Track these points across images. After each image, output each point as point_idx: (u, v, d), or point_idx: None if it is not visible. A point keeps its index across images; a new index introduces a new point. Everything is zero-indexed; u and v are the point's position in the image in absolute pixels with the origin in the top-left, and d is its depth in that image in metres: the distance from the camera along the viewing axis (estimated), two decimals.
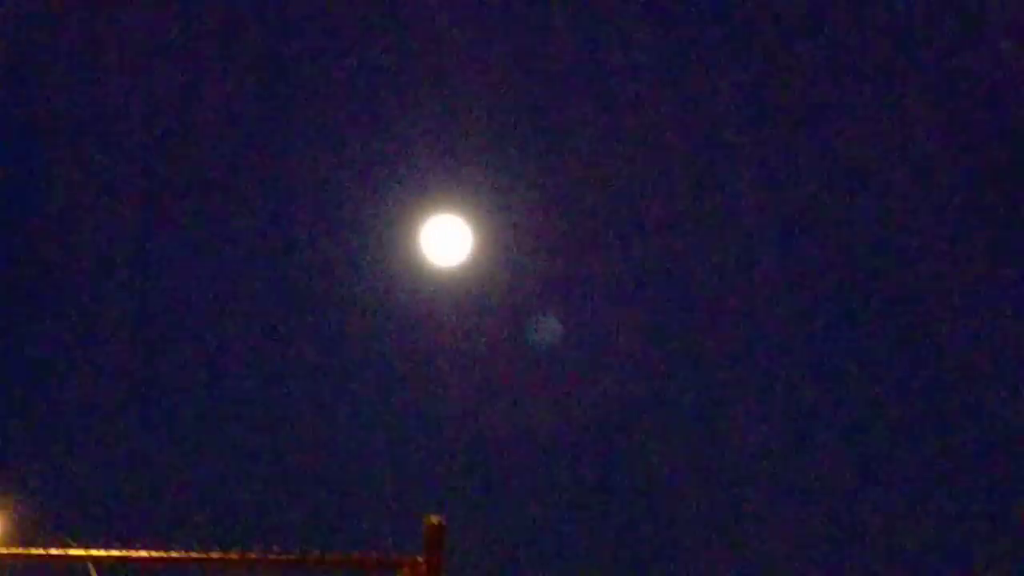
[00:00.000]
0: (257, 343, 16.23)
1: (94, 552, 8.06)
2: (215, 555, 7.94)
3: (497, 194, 16.01)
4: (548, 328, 15.99)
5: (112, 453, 15.68)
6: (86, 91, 16.45)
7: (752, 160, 16.24)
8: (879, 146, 16.19)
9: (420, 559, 7.73)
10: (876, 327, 16.11)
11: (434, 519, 7.71)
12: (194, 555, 7.97)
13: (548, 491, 15.60)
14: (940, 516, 15.22)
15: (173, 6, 16.24)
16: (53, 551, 8.11)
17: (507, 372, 15.84)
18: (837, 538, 15.28)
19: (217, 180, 16.64)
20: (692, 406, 15.97)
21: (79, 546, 8.10)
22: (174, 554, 7.98)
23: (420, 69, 16.30)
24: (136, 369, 16.10)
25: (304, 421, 16.01)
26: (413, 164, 16.18)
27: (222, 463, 15.64)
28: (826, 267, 16.12)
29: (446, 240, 14.99)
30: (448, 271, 15.48)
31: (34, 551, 8.14)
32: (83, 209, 16.35)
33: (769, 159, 16.31)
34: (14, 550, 8.20)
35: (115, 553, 8.04)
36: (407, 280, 15.77)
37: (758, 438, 15.75)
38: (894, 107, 16.12)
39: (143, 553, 8.01)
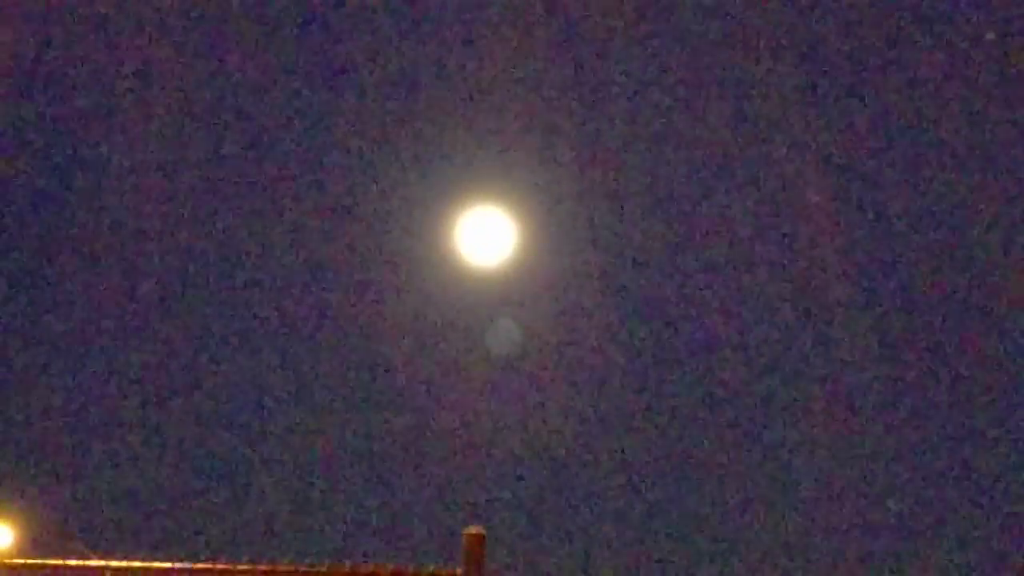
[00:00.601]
0: (284, 354, 15.73)
1: (113, 563, 7.79)
2: (243, 566, 7.68)
3: (546, 183, 14.71)
4: (602, 339, 14.84)
5: (132, 463, 15.37)
6: (133, 92, 16.11)
7: (815, 158, 15.53)
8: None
9: (459, 571, 7.54)
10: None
11: (474, 530, 7.53)
12: (220, 566, 7.70)
13: (593, 501, 14.94)
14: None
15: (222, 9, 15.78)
16: (71, 561, 7.84)
17: (552, 383, 14.86)
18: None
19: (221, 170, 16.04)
20: (760, 413, 15.16)
21: (97, 556, 7.85)
22: (200, 565, 7.71)
23: (460, 39, 15.13)
24: (161, 375, 15.81)
25: (335, 433, 15.51)
26: (448, 147, 14.91)
27: (257, 473, 15.26)
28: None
29: (485, 236, 13.74)
30: (487, 271, 14.23)
31: (51, 561, 7.90)
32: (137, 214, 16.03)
33: (827, 158, 15.64)
34: (31, 559, 7.96)
35: (136, 564, 7.75)
36: (440, 281, 14.55)
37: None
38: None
39: (166, 564, 7.72)
